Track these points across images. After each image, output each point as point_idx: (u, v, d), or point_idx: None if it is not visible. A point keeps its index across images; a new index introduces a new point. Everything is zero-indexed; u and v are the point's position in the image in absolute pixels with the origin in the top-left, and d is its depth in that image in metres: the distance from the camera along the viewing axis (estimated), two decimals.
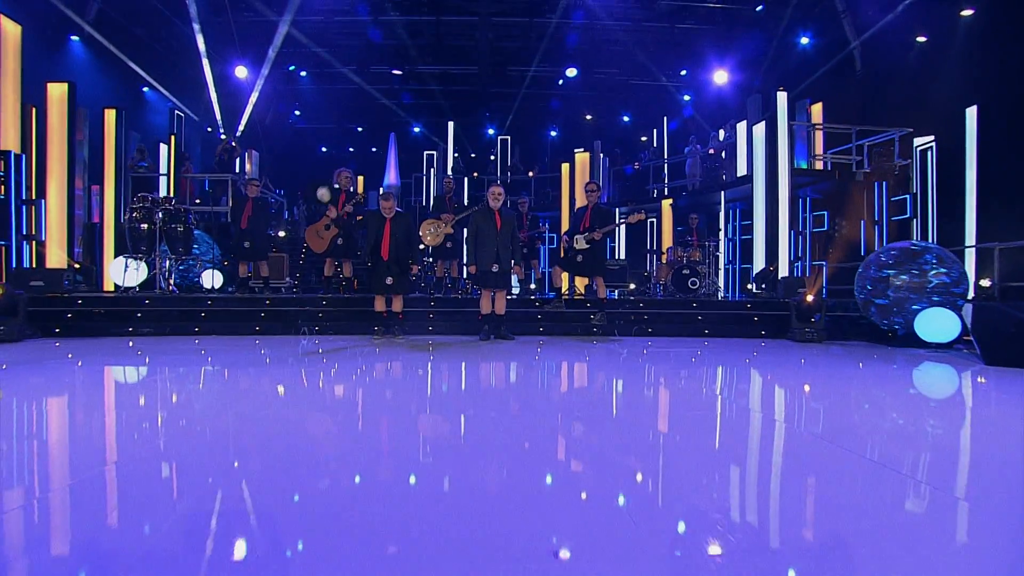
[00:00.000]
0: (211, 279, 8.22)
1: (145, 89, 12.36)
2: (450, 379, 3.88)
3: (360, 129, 16.56)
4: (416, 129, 16.98)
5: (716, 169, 11.59)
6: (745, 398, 3.58)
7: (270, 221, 7.21)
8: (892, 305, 6.05)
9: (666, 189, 13.43)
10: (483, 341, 5.77)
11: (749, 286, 11.01)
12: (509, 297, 6.32)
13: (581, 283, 8.76)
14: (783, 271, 9.30)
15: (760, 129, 9.62)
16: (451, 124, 15.14)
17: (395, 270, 5.77)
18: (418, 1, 12.42)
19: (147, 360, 4.45)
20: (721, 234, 11.79)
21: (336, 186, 6.77)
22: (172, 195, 8.67)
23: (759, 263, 9.85)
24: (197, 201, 9.85)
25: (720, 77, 12.88)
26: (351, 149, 17.37)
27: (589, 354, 5.16)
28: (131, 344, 5.38)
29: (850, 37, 12.04)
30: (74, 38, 10.84)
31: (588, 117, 17.29)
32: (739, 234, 12.39)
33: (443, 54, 14.27)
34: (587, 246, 6.34)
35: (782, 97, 9.48)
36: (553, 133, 17.34)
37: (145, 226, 6.56)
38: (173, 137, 8.97)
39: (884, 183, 9.66)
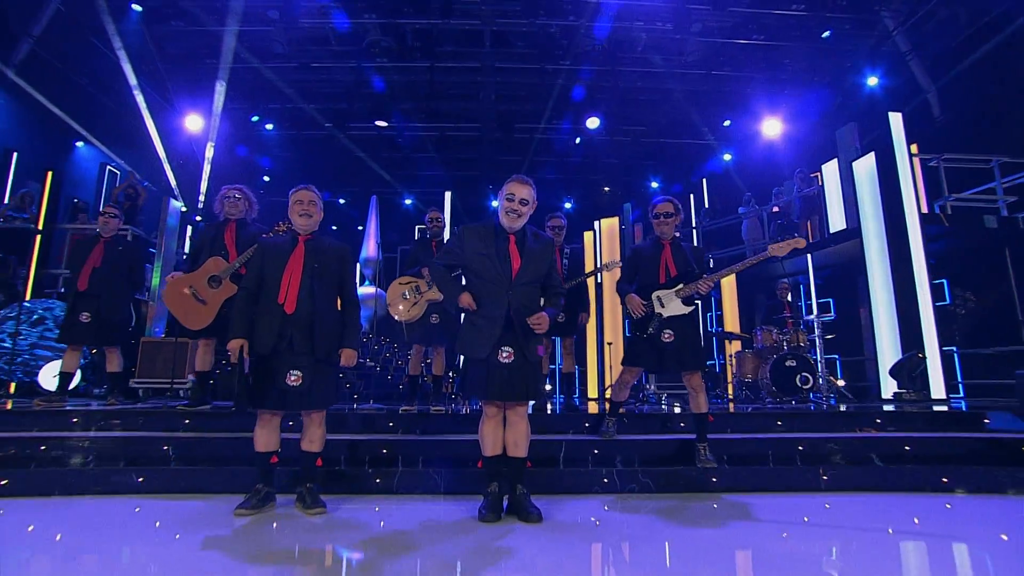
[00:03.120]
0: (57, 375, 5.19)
1: (79, 144, 10.14)
2: None
3: (342, 201, 14.21)
4: (408, 201, 14.74)
5: (791, 227, 8.92)
6: None
7: (142, 280, 4.31)
8: None
9: (711, 260, 10.78)
10: (486, 522, 2.59)
11: (838, 382, 7.86)
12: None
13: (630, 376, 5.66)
14: (933, 358, 6.27)
15: (866, 164, 7.03)
16: (448, 194, 12.86)
17: (306, 349, 2.75)
18: (410, 45, 10.53)
19: None
20: (805, 310, 8.88)
21: (223, 217, 3.98)
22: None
23: (887, 352, 6.83)
24: None
25: (771, 128, 10.67)
26: (334, 227, 14.97)
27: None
28: None
29: (922, 82, 9.96)
30: None
31: (606, 189, 15.14)
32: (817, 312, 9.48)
33: (439, 112, 12.27)
34: (687, 309, 3.45)
35: (896, 119, 6.99)
36: (568, 204, 15.08)
37: None
38: (50, 175, 6.36)
39: None
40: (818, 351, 6.85)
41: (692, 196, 11.97)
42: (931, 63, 9.91)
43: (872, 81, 9.69)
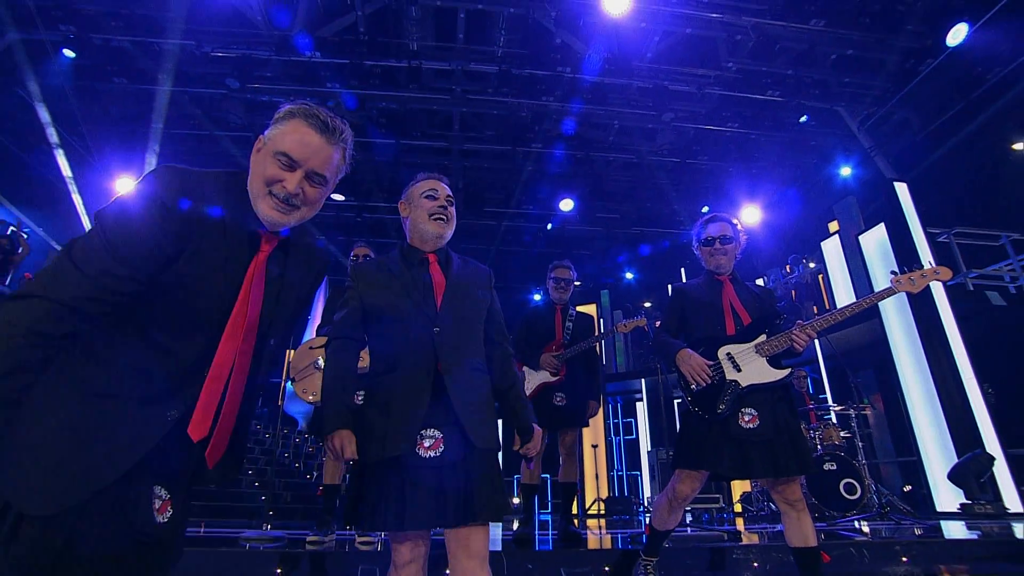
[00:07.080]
0: None
1: None
2: None
3: None
4: None
5: (793, 311, 8.18)
6: None
7: None
8: None
9: None
10: None
11: (906, 488, 6.62)
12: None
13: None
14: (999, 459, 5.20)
15: (874, 238, 6.46)
16: None
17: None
18: (375, 120, 10.00)
19: None
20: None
21: None
22: None
23: (933, 452, 5.78)
24: None
25: (751, 215, 10.38)
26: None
27: None
28: None
29: (885, 171, 10.06)
30: None
31: (577, 283, 14.48)
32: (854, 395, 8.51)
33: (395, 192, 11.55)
34: (777, 375, 2.47)
35: (902, 188, 6.60)
36: (537, 296, 14.22)
37: None
38: None
39: None
40: (859, 451, 5.68)
41: (669, 287, 11.36)
42: (893, 160, 10.07)
43: (845, 171, 9.67)
